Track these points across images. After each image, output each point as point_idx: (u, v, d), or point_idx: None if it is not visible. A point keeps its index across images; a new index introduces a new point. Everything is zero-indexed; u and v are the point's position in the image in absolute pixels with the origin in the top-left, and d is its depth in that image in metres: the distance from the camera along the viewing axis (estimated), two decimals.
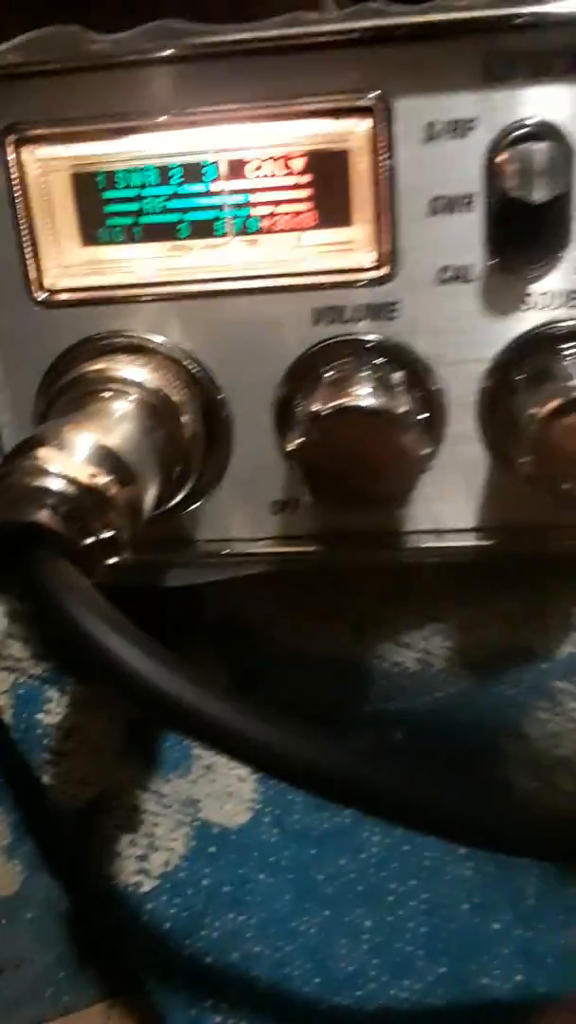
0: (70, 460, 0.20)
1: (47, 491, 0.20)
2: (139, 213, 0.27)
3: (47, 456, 0.20)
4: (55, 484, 0.20)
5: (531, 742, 0.32)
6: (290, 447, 0.25)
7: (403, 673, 0.33)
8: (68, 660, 0.33)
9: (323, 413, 0.24)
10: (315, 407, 0.24)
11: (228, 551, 0.29)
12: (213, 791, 0.33)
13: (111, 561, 0.20)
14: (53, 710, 0.33)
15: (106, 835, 0.32)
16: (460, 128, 0.25)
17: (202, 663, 0.33)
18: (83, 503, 0.20)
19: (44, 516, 0.19)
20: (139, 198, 0.27)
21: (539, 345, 0.27)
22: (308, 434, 0.24)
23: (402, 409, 0.24)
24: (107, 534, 0.20)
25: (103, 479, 0.20)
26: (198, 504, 0.29)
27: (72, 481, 0.20)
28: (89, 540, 0.20)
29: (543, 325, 0.27)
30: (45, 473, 0.20)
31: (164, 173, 0.26)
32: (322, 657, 0.33)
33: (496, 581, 0.31)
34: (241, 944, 0.32)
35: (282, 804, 0.34)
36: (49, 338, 0.28)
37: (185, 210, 0.27)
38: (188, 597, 0.32)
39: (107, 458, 0.21)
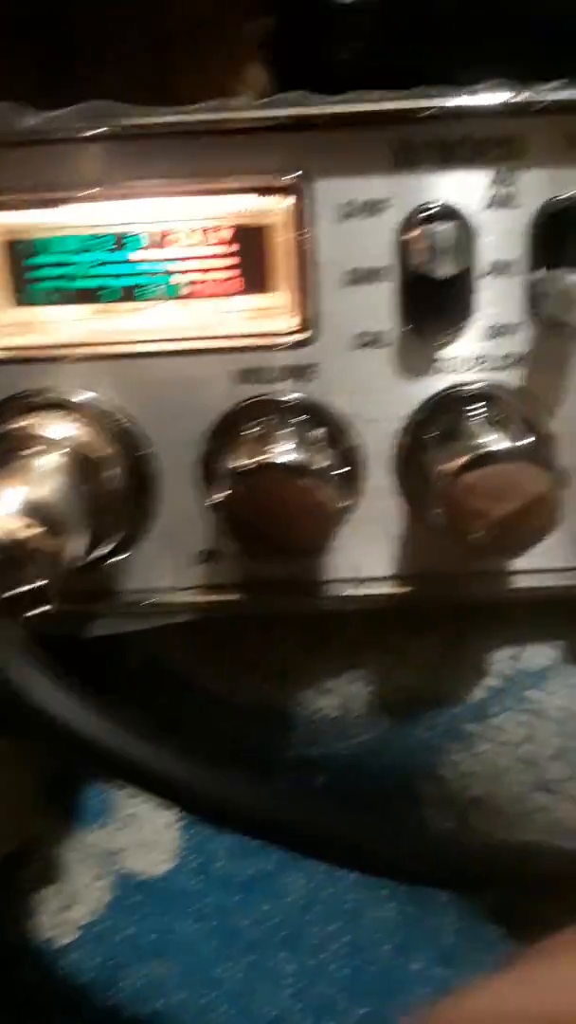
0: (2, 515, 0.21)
1: None
2: (69, 278, 0.28)
3: None
4: None
5: (446, 783, 0.33)
6: (214, 501, 0.26)
7: (324, 719, 0.34)
8: None
9: (245, 468, 0.25)
10: (238, 463, 0.26)
11: (153, 601, 0.30)
12: (136, 840, 0.33)
13: (37, 611, 0.21)
14: None
15: (25, 889, 0.31)
16: (373, 208, 0.27)
17: (124, 709, 0.34)
18: (11, 554, 0.21)
19: None
20: (69, 264, 0.28)
21: (448, 405, 0.29)
22: (232, 488, 0.25)
23: (320, 465, 0.26)
24: (34, 585, 0.21)
25: (31, 531, 0.21)
26: (124, 555, 0.29)
27: (0, 533, 0.21)
28: (16, 591, 0.20)
29: (451, 387, 0.29)
30: None
31: (95, 241, 0.28)
32: (245, 704, 0.34)
33: (412, 628, 0.33)
34: (165, 993, 0.32)
35: (206, 851, 0.34)
36: None
37: (114, 276, 0.28)
38: (111, 643, 0.32)
39: (35, 511, 0.22)
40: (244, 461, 0.25)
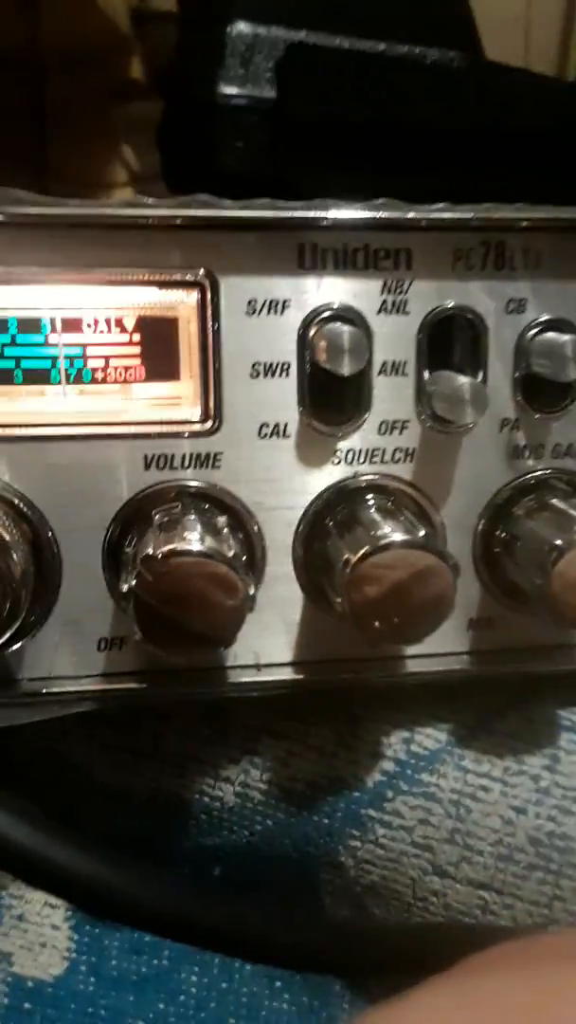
0: None
1: None
2: None
3: None
4: None
5: (344, 870, 0.33)
6: (123, 588, 0.26)
7: (222, 807, 0.33)
8: None
9: (156, 555, 0.25)
10: (147, 550, 0.26)
11: (52, 689, 0.29)
12: (25, 943, 0.32)
13: None
14: None
15: None
16: (277, 306, 0.29)
17: (13, 801, 0.32)
18: None
19: None
20: None
21: (346, 495, 0.30)
22: (140, 576, 0.25)
23: (230, 553, 0.26)
24: None
25: None
26: (22, 642, 0.29)
27: None
28: None
29: (347, 478, 0.30)
30: None
31: (2, 324, 0.28)
32: (142, 793, 0.33)
33: (310, 713, 0.33)
34: None
35: (97, 951, 0.33)
36: None
37: (19, 358, 0.28)
38: (2, 734, 0.31)
39: None
40: (152, 549, 0.26)
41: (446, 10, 0.50)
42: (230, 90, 0.43)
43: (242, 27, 0.44)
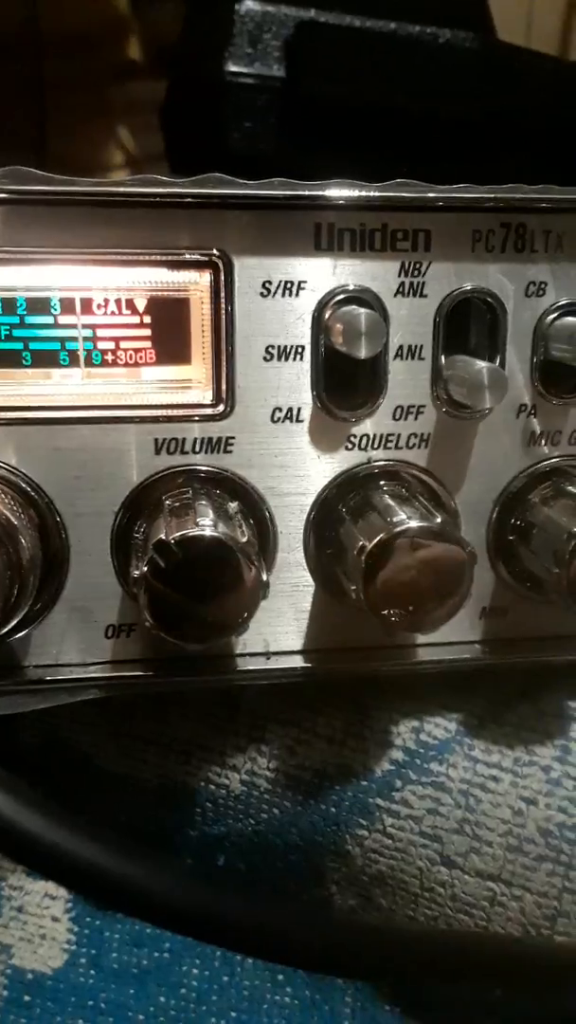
0: None
1: None
2: None
3: None
4: None
5: (351, 860, 0.33)
6: (133, 574, 0.25)
7: (228, 796, 0.33)
8: None
9: (167, 541, 0.25)
10: (159, 535, 0.25)
11: (59, 676, 0.29)
12: (25, 935, 0.31)
13: None
14: None
15: None
16: (292, 288, 0.28)
17: (20, 787, 0.32)
18: None
19: None
20: None
21: (360, 481, 0.30)
22: (152, 562, 0.25)
23: (243, 538, 0.26)
24: None
25: None
26: (28, 629, 0.28)
27: None
28: None
29: (362, 463, 0.30)
30: None
31: (10, 304, 0.27)
32: (148, 781, 0.33)
33: (318, 702, 0.33)
34: None
35: (98, 943, 0.33)
36: None
37: (29, 339, 0.27)
38: (7, 718, 0.30)
39: None
40: (166, 534, 0.25)
41: None
42: (238, 68, 0.43)
43: (250, 5, 0.43)
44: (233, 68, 0.43)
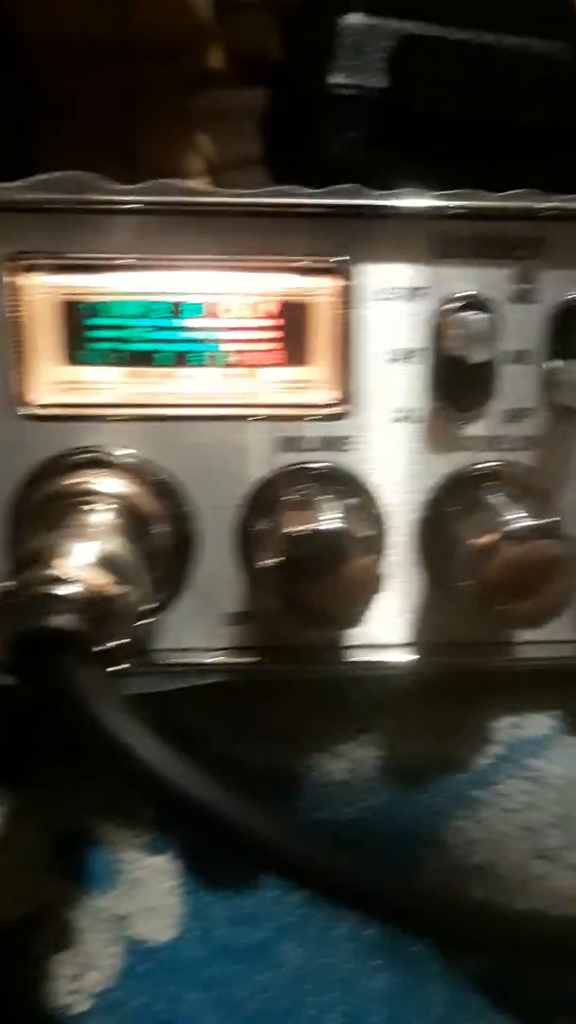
0: (85, 568, 0.21)
1: (68, 599, 0.21)
2: (120, 340, 0.29)
3: (61, 565, 0.21)
4: (73, 591, 0.21)
5: (449, 850, 0.34)
6: (262, 565, 0.27)
7: (332, 783, 0.34)
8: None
9: (299, 534, 0.26)
10: (286, 528, 0.27)
11: (184, 660, 0.30)
12: (141, 906, 0.33)
13: (118, 668, 0.21)
14: None
15: (38, 954, 0.31)
16: (412, 294, 0.29)
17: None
18: (101, 609, 0.21)
19: (72, 622, 0.20)
20: (121, 327, 0.29)
21: (471, 481, 0.31)
22: (280, 554, 0.26)
23: (365, 533, 0.27)
24: (121, 641, 0.21)
25: (116, 587, 0.22)
26: (161, 615, 0.30)
27: (90, 588, 0.21)
28: (108, 645, 0.21)
29: (473, 464, 0.31)
30: (64, 581, 0.21)
31: (148, 308, 0.29)
32: (253, 766, 0.34)
33: (422, 693, 0.34)
34: None
35: (207, 918, 0.34)
36: (27, 450, 0.29)
37: (163, 341, 0.29)
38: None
39: (111, 567, 0.22)
40: (293, 526, 0.26)
41: (550, 1, 0.50)
42: (342, 79, 0.44)
43: (354, 17, 0.45)
44: (337, 79, 0.44)
